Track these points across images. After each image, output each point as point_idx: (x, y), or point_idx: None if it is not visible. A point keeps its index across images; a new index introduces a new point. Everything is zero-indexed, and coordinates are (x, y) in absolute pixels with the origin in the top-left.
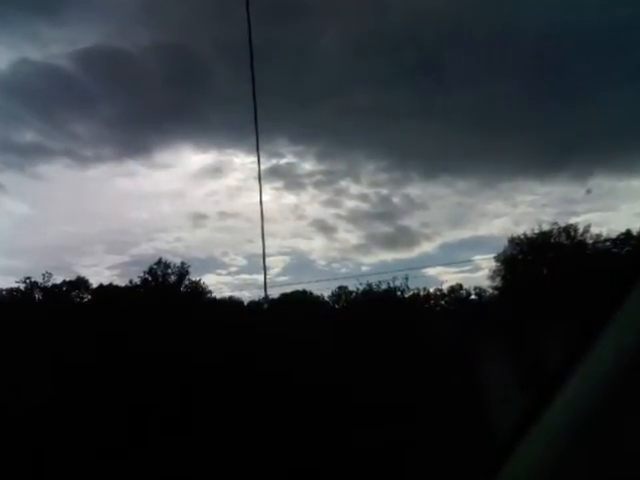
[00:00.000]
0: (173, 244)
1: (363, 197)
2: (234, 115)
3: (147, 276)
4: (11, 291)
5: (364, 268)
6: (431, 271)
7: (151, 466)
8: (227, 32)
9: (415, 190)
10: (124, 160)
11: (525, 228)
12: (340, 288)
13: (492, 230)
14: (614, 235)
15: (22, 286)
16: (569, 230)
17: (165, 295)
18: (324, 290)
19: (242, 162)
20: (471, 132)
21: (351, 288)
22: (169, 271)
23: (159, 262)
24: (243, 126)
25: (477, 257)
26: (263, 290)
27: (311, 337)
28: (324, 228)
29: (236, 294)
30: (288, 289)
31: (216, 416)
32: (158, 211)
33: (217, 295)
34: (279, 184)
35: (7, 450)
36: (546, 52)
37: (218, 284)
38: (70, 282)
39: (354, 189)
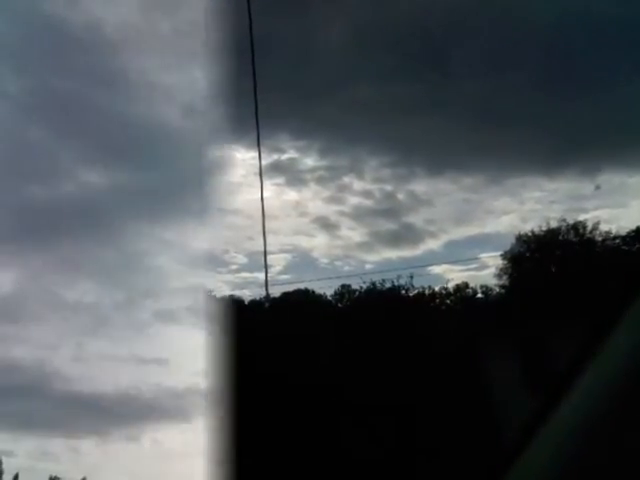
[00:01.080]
0: None
1: (366, 193)
2: (234, 109)
3: None
4: None
5: (368, 266)
6: (436, 269)
7: None
8: (227, 24)
9: (420, 186)
10: None
11: (533, 225)
12: (343, 287)
13: (499, 227)
14: (624, 232)
15: None
16: (578, 227)
17: None
18: (327, 289)
19: (242, 157)
20: (477, 127)
21: (354, 287)
22: None
23: None
24: (243, 120)
25: (483, 255)
26: (264, 289)
27: (313, 337)
28: (327, 225)
29: (236, 293)
30: (290, 288)
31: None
32: None
33: (217, 294)
34: (280, 180)
35: None
36: (555, 45)
37: (218, 282)
38: None
39: (357, 185)
